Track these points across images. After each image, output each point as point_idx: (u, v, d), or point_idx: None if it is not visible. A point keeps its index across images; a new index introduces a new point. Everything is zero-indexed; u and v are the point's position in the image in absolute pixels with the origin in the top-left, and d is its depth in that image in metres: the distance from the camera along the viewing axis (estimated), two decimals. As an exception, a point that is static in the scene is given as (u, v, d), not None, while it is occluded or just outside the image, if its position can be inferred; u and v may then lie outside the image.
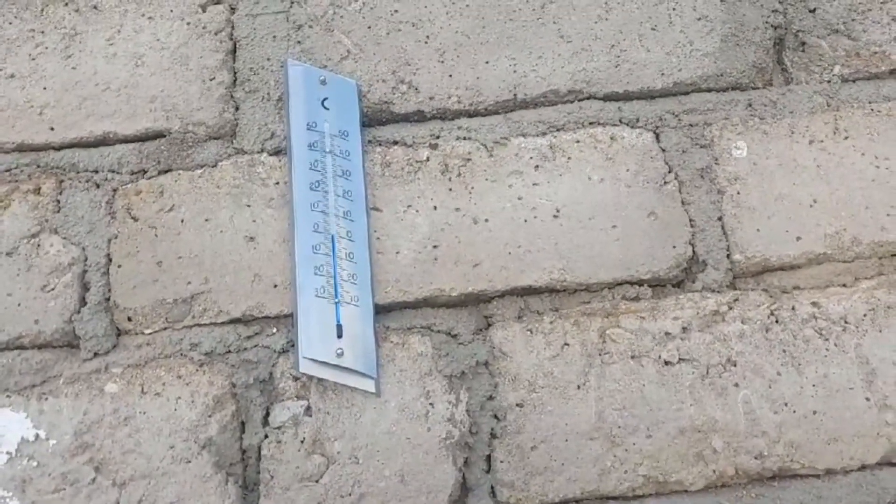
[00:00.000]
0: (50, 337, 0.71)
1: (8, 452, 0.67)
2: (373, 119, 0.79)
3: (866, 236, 0.74)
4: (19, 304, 0.71)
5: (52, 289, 0.72)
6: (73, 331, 0.71)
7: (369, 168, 0.76)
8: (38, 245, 0.73)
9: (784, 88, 0.81)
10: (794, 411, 0.69)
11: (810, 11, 0.83)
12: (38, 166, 0.77)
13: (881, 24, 0.83)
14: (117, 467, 0.67)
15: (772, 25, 0.82)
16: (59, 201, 0.75)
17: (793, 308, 0.72)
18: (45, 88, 0.79)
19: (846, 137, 0.78)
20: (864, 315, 0.72)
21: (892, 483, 0.67)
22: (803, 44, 0.83)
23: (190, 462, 0.67)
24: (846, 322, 0.71)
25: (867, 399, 0.69)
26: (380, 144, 0.78)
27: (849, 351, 0.70)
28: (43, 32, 0.81)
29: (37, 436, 0.67)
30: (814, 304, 0.72)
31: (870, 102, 0.80)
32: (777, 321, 0.71)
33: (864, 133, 0.78)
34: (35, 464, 0.67)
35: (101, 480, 0.67)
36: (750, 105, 0.80)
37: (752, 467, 0.67)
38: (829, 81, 0.81)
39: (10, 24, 0.81)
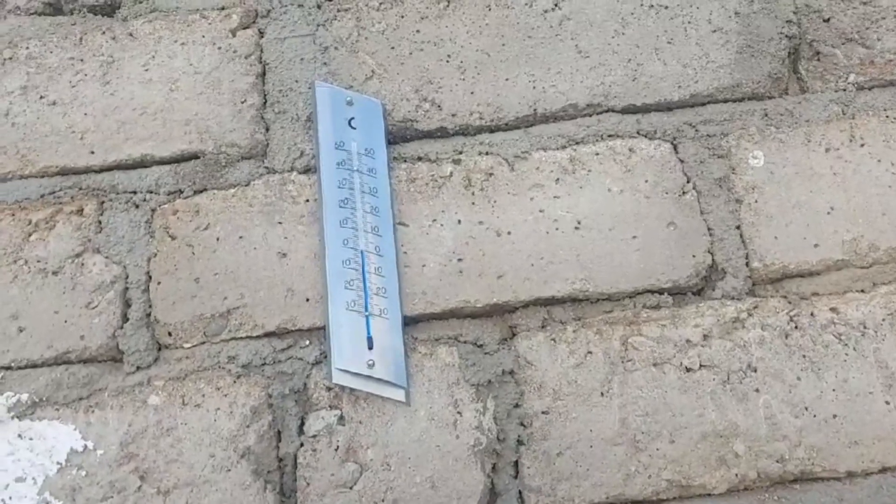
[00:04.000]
0: (95, 352, 0.74)
1: (58, 463, 0.70)
2: (398, 136, 0.81)
3: (884, 242, 0.76)
4: (65, 321, 0.75)
5: (96, 306, 0.75)
6: (116, 346, 0.74)
7: (395, 184, 0.79)
8: (82, 264, 0.77)
9: (800, 97, 0.83)
10: (815, 415, 0.70)
11: (824, 21, 0.85)
12: (81, 188, 0.80)
13: (895, 32, 0.84)
14: (161, 476, 0.70)
15: (786, 36, 0.83)
16: (100, 222, 0.79)
17: (812, 314, 0.73)
18: (85, 114, 0.82)
19: (862, 145, 0.79)
20: (883, 320, 0.73)
21: (913, 485, 0.69)
22: (818, 53, 0.84)
23: (230, 470, 0.70)
24: (865, 327, 0.73)
25: (887, 402, 0.70)
26: (405, 161, 0.80)
27: (868, 355, 0.72)
28: (82, 60, 0.85)
29: (85, 447, 0.71)
30: (832, 309, 0.74)
31: (885, 110, 0.81)
32: (796, 327, 0.73)
33: (879, 140, 0.79)
34: (84, 473, 0.70)
35: (146, 489, 0.70)
36: (766, 115, 0.81)
37: (773, 471, 0.69)
38: (844, 90, 0.83)
39: (51, 52, 0.85)
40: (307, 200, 0.78)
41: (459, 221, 0.77)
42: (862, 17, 0.85)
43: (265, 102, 0.82)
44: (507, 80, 0.82)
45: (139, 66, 0.84)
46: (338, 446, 0.71)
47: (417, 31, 0.84)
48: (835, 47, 0.84)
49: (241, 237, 0.77)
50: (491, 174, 0.79)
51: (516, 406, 0.72)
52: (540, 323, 0.75)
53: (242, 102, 0.82)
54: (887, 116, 0.80)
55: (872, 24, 0.84)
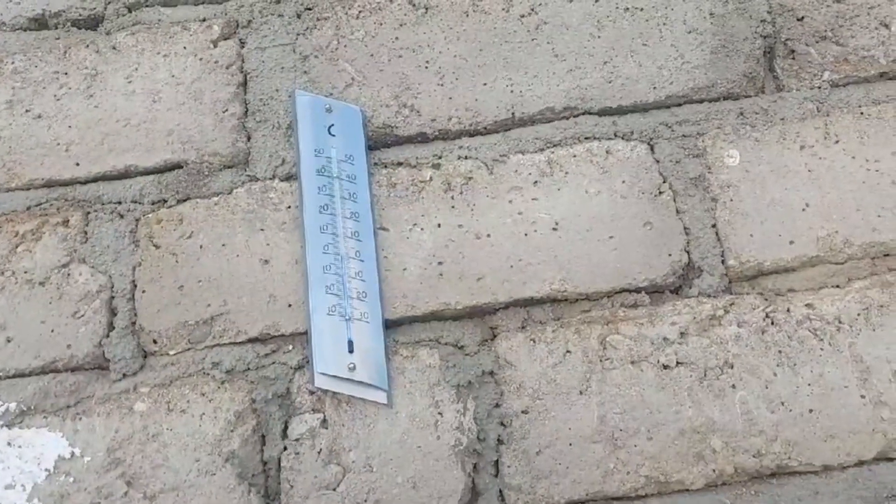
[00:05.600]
0: (82, 360, 0.76)
1: (46, 469, 0.72)
2: (378, 142, 0.83)
3: (858, 238, 0.76)
4: (52, 331, 0.76)
5: (83, 315, 0.77)
6: (102, 354, 0.76)
7: (376, 189, 0.80)
8: (68, 274, 0.78)
9: (775, 96, 0.83)
10: (791, 410, 0.71)
11: (798, 20, 0.86)
12: (66, 200, 0.82)
13: (869, 29, 0.85)
14: (147, 481, 0.71)
15: (761, 35, 0.84)
16: (86, 232, 0.80)
17: (787, 310, 0.74)
18: (70, 127, 0.84)
19: (837, 142, 0.80)
20: (858, 315, 0.74)
21: (889, 478, 0.69)
22: (793, 52, 0.85)
23: (215, 474, 0.71)
24: (840, 322, 0.74)
25: (862, 396, 0.71)
26: (385, 166, 0.81)
27: (843, 350, 0.73)
28: (66, 73, 0.86)
29: (72, 453, 0.72)
30: (808, 305, 0.74)
31: (859, 106, 0.82)
32: (772, 323, 0.74)
33: (854, 137, 0.80)
34: (71, 480, 0.71)
35: (132, 494, 0.71)
36: (741, 114, 0.82)
37: (750, 465, 0.70)
38: (819, 87, 0.83)
39: (36, 66, 0.87)
40: (289, 207, 0.79)
41: (439, 225, 0.78)
42: (835, 16, 0.86)
43: (246, 111, 0.84)
44: (484, 84, 0.83)
45: (122, 78, 0.85)
46: (321, 449, 0.72)
47: (396, 38, 0.85)
48: (809, 46, 0.85)
49: (223, 245, 0.78)
50: (470, 178, 0.80)
51: (496, 406, 0.73)
52: (519, 324, 0.76)
53: (224, 112, 0.84)
54: (861, 113, 0.81)
55: (846, 21, 0.85)
